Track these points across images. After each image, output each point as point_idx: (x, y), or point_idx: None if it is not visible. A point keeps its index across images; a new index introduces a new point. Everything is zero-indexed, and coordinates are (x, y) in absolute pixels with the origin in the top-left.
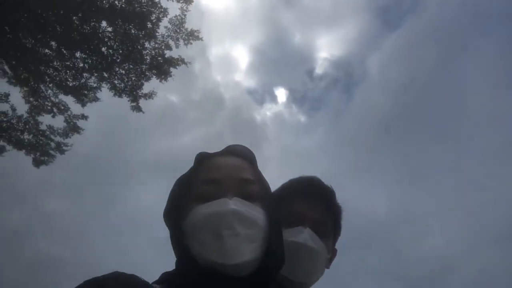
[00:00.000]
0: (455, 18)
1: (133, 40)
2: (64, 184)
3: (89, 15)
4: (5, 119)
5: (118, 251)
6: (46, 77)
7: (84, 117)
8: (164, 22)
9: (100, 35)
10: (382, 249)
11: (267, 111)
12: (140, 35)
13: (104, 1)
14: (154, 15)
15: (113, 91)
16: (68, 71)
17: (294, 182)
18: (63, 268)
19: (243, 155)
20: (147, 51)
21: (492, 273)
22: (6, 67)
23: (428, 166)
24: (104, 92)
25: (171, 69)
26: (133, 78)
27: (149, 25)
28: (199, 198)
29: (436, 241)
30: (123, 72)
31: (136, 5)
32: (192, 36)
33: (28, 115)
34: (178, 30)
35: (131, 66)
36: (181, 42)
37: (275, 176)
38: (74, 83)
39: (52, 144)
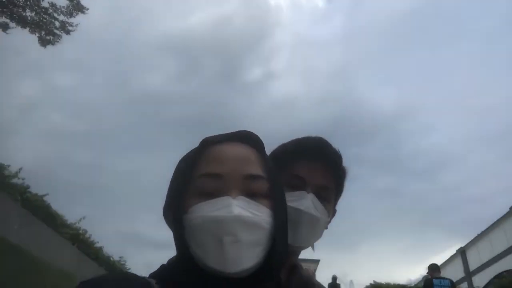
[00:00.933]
0: None
1: None
2: (75, 61)
3: None
4: None
5: (127, 126)
6: None
7: None
8: None
9: None
10: (383, 141)
11: None
12: None
13: None
14: None
15: None
16: None
17: (299, 143)
18: (77, 139)
19: (251, 144)
20: None
21: (484, 172)
22: None
23: (439, 66)
24: None
25: None
26: None
27: None
28: (200, 193)
29: (436, 138)
30: None
31: None
32: None
33: None
34: None
35: None
36: None
37: (285, 66)
38: None
39: (56, 23)
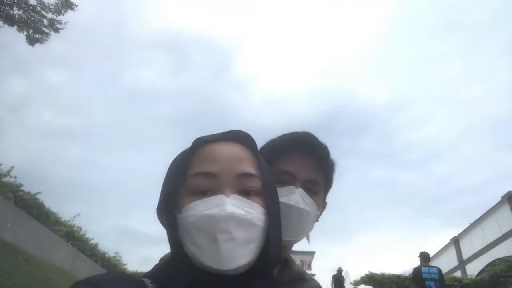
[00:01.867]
0: None
1: None
2: (65, 58)
3: None
4: None
5: (119, 123)
6: None
7: None
8: None
9: None
10: (376, 134)
11: None
12: None
13: None
14: None
15: None
16: None
17: (286, 138)
18: (68, 137)
19: (244, 143)
20: None
21: (476, 162)
22: None
23: (431, 59)
24: None
25: None
26: None
27: None
28: (194, 191)
29: (428, 130)
30: None
31: None
32: None
33: None
34: None
35: None
36: None
37: (278, 60)
38: None
39: (45, 21)
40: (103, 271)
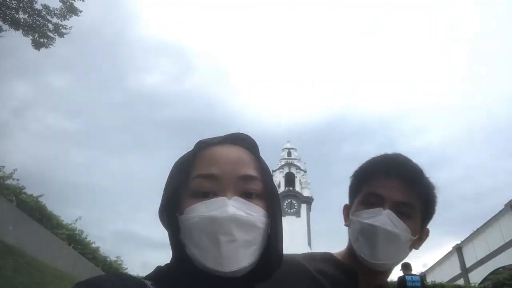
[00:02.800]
0: None
1: None
2: (69, 63)
3: None
4: None
5: (122, 126)
6: None
7: None
8: None
9: None
10: (377, 140)
11: None
12: None
13: None
14: None
15: None
16: None
17: (375, 161)
18: (71, 141)
19: (246, 146)
20: None
21: (478, 170)
22: None
23: (432, 68)
24: None
25: None
26: None
27: None
28: (196, 194)
29: (431, 138)
30: None
31: None
32: None
33: None
34: None
35: None
36: None
37: (280, 67)
38: None
39: (50, 26)
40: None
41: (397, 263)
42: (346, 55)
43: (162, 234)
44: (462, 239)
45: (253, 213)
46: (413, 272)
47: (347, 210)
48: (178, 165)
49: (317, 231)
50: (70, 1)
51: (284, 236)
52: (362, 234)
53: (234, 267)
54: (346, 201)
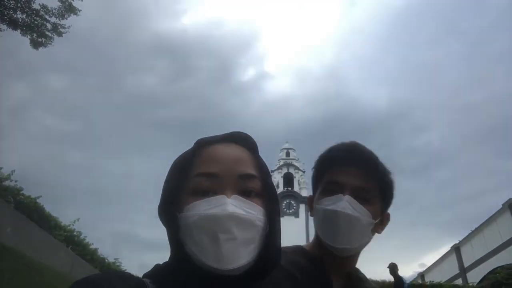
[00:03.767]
0: None
1: None
2: (67, 63)
3: None
4: None
5: (119, 127)
6: None
7: None
8: None
9: None
10: (377, 140)
11: None
12: None
13: None
14: None
15: None
16: None
17: (334, 149)
18: (69, 142)
19: (245, 145)
20: None
21: (477, 169)
22: None
23: (431, 66)
24: None
25: None
26: None
27: None
28: (195, 192)
29: (429, 137)
30: None
31: None
32: None
33: None
34: None
35: None
36: None
37: (279, 66)
38: None
39: (48, 25)
40: None
41: (361, 247)
42: (343, 54)
43: (160, 235)
44: (460, 239)
45: (252, 211)
46: (412, 271)
47: (311, 201)
48: (178, 163)
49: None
50: (69, 1)
51: (282, 236)
52: (325, 221)
53: (233, 265)
54: None
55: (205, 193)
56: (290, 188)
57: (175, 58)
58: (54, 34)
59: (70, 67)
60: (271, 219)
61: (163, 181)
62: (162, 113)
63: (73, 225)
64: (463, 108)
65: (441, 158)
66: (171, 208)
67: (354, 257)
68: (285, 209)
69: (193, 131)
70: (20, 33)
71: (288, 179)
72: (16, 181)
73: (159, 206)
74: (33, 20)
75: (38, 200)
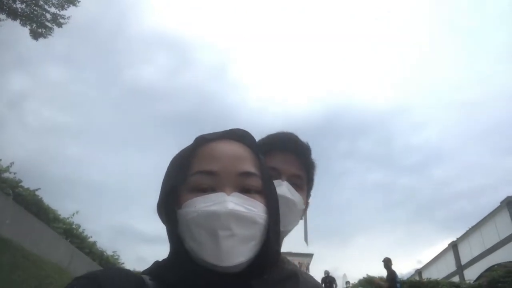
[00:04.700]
0: None
1: None
2: (66, 55)
3: None
4: None
5: (119, 120)
6: None
7: None
8: None
9: None
10: (375, 137)
11: None
12: None
13: None
14: None
15: None
16: None
17: (273, 137)
18: (67, 134)
19: (245, 142)
20: None
21: (475, 167)
22: None
23: (430, 64)
24: None
25: None
26: None
27: None
28: (195, 189)
29: (428, 134)
30: None
31: None
32: None
33: None
34: None
35: None
36: None
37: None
38: None
39: (48, 16)
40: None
41: (290, 231)
42: (343, 50)
43: (157, 229)
44: (458, 236)
45: (253, 208)
46: (410, 268)
47: None
48: (177, 160)
49: (313, 228)
50: None
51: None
52: None
53: (232, 262)
54: (343, 197)
55: (204, 190)
56: None
57: (174, 51)
58: (54, 24)
59: (70, 58)
60: (271, 216)
61: (162, 175)
62: (161, 106)
63: (71, 218)
64: (462, 105)
65: (439, 155)
66: (169, 205)
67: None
68: None
69: (192, 125)
70: (20, 23)
71: None
72: (15, 173)
73: (158, 202)
74: (32, 10)
75: (36, 193)
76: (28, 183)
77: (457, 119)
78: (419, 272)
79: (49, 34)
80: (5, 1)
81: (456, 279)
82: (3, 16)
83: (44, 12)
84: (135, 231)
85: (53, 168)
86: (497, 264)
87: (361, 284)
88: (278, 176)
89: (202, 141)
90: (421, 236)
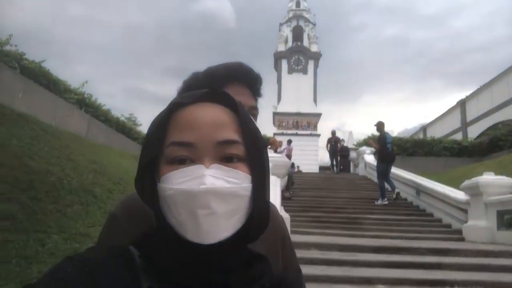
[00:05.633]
0: None
1: None
2: None
3: None
4: None
5: None
6: None
7: None
8: None
9: None
10: None
11: None
12: None
13: None
14: None
15: None
16: None
17: (226, 68)
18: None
19: (224, 103)
20: None
21: (496, 18)
22: None
23: None
24: None
25: None
26: None
27: None
28: (171, 161)
29: None
30: None
31: None
32: None
33: None
34: None
35: None
36: None
37: None
38: None
39: None
40: (119, 135)
41: None
42: None
43: (169, 89)
44: (467, 94)
45: (235, 180)
46: (417, 123)
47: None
48: (153, 128)
49: (323, 88)
50: None
51: (290, 93)
52: None
53: (214, 240)
54: (354, 53)
55: (182, 161)
56: (299, 43)
57: None
58: None
59: None
60: (258, 182)
61: (168, 36)
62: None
63: (82, 87)
64: None
65: (460, 5)
66: (149, 178)
67: None
68: (293, 66)
69: None
70: None
71: (297, 33)
72: (16, 46)
73: (135, 178)
74: None
75: (42, 65)
76: (31, 56)
77: None
78: (423, 128)
79: None
80: None
81: (459, 136)
82: None
83: None
84: (148, 93)
85: (58, 32)
86: (501, 123)
87: (366, 143)
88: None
89: (176, 106)
90: (431, 92)
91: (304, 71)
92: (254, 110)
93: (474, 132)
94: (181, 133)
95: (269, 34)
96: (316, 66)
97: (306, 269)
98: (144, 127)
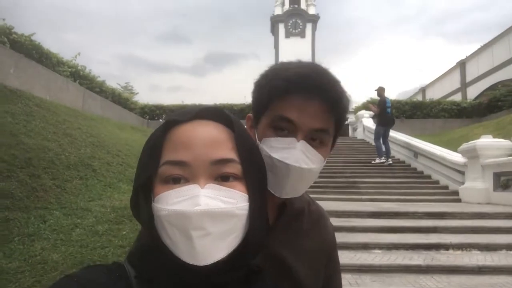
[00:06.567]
0: None
1: None
2: None
3: None
4: None
5: None
6: None
7: None
8: None
9: None
10: None
11: None
12: None
13: None
14: None
15: None
16: None
17: (288, 76)
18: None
19: (220, 121)
20: None
21: None
22: None
23: None
24: None
25: None
26: None
27: None
28: (166, 181)
29: None
30: None
31: None
32: None
33: None
34: None
35: None
36: None
37: None
38: None
39: None
40: (115, 106)
41: (301, 193)
42: None
43: (164, 56)
44: (468, 54)
45: (230, 199)
46: (418, 84)
47: (250, 122)
48: (148, 145)
49: (321, 50)
50: None
51: (288, 58)
52: (272, 171)
53: (209, 261)
54: (355, 15)
55: (176, 180)
56: (296, 6)
57: None
58: None
59: None
60: (255, 201)
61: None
62: None
63: (75, 60)
64: None
65: None
66: (145, 197)
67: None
68: (291, 29)
69: None
70: None
71: None
72: (4, 20)
73: (131, 197)
74: None
75: (32, 38)
76: (20, 28)
77: None
78: (423, 89)
79: None
80: None
81: (458, 97)
82: None
83: None
84: (142, 60)
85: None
86: (500, 83)
87: (365, 107)
88: (293, 131)
89: (171, 124)
90: (430, 53)
91: (302, 34)
92: (323, 134)
93: (473, 93)
94: (175, 152)
95: None
96: (314, 29)
97: None
98: (140, 96)
